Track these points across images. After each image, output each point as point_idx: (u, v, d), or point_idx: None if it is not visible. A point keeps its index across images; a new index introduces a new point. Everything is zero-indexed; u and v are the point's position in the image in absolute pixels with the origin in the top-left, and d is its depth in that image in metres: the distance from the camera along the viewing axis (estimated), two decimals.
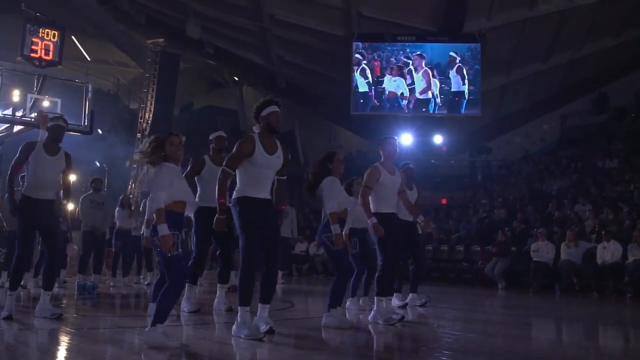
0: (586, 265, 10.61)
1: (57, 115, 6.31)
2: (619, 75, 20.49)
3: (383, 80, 18.53)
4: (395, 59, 18.51)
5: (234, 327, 4.54)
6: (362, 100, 18.64)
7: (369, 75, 18.56)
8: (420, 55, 18.47)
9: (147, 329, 4.11)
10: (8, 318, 5.18)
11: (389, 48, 18.59)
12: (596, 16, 18.12)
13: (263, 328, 4.57)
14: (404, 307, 6.99)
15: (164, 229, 4.11)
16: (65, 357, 4.01)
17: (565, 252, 10.83)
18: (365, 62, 18.58)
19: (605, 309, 8.73)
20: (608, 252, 10.26)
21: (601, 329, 6.56)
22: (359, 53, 18.58)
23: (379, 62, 18.58)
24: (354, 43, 18.56)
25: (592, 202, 13.31)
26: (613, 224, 11.52)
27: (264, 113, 4.67)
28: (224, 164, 4.59)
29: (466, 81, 18.19)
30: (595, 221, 11.88)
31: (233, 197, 4.62)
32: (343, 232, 5.46)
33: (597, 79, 20.73)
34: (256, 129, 4.71)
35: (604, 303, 9.43)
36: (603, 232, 10.66)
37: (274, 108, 4.68)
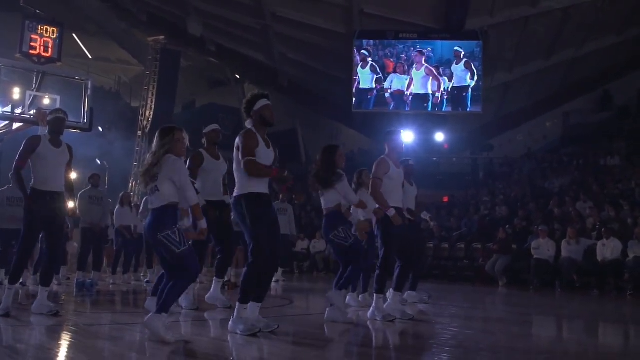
0: (587, 263, 10.58)
1: (57, 109, 6.30)
2: (621, 73, 20.45)
3: (390, 78, 18.57)
4: (406, 55, 18.55)
5: (230, 322, 4.53)
6: (368, 97, 18.68)
7: (380, 72, 18.60)
8: (420, 52, 18.47)
9: (150, 314, 4.13)
10: (5, 315, 5.17)
11: (400, 45, 18.61)
12: (598, 14, 18.06)
13: (264, 327, 4.53)
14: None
15: (204, 224, 4.41)
16: (61, 354, 3.98)
17: (566, 249, 10.80)
18: (371, 58, 18.60)
19: (606, 306, 8.70)
20: (608, 249, 10.24)
21: (601, 326, 6.53)
22: (366, 50, 18.60)
23: (392, 60, 18.60)
24: (363, 41, 18.63)
25: (593, 200, 13.28)
26: (614, 221, 11.49)
27: (256, 107, 4.63)
28: (247, 156, 4.43)
29: (476, 76, 18.20)
30: (596, 219, 11.85)
31: (235, 194, 4.56)
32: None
33: (600, 77, 20.69)
34: (248, 124, 4.65)
35: (605, 300, 9.40)
36: (603, 229, 10.63)
37: (266, 101, 4.65)
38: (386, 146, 5.72)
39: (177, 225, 4.23)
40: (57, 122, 5.58)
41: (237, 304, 4.49)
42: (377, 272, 5.52)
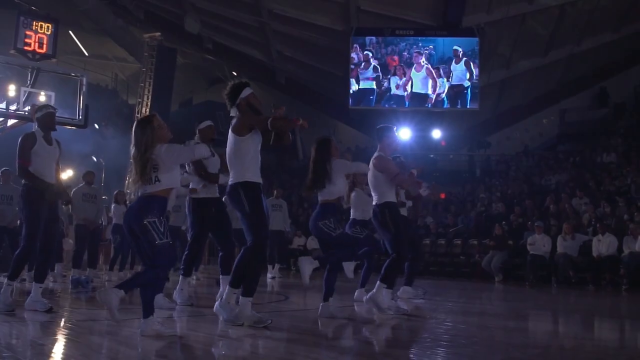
0: (582, 258, 10.61)
1: (45, 104, 6.26)
2: (617, 70, 20.47)
3: (391, 80, 18.61)
4: (408, 53, 18.56)
5: (216, 304, 4.49)
6: (370, 97, 18.71)
7: (380, 72, 18.63)
8: (419, 53, 18.48)
9: (142, 322, 4.10)
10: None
11: (402, 43, 18.62)
12: (595, 11, 18.07)
13: (257, 322, 4.51)
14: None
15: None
16: (55, 349, 3.97)
17: (562, 245, 10.82)
18: (373, 58, 18.62)
19: (601, 301, 8.71)
20: (603, 245, 10.26)
21: (597, 321, 6.53)
22: (368, 50, 18.62)
23: (396, 57, 18.61)
24: (366, 39, 18.64)
25: (589, 196, 13.30)
26: (610, 217, 11.52)
27: (242, 95, 4.63)
28: (267, 122, 4.39)
29: (474, 75, 18.21)
30: (592, 215, 11.87)
31: (231, 182, 4.51)
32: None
33: (597, 74, 20.71)
34: (234, 112, 4.62)
35: (600, 295, 9.41)
36: (598, 225, 10.65)
37: (251, 90, 4.68)
38: (380, 143, 5.62)
39: (163, 219, 4.10)
40: (48, 117, 5.53)
41: (228, 287, 4.45)
42: (389, 262, 5.43)
